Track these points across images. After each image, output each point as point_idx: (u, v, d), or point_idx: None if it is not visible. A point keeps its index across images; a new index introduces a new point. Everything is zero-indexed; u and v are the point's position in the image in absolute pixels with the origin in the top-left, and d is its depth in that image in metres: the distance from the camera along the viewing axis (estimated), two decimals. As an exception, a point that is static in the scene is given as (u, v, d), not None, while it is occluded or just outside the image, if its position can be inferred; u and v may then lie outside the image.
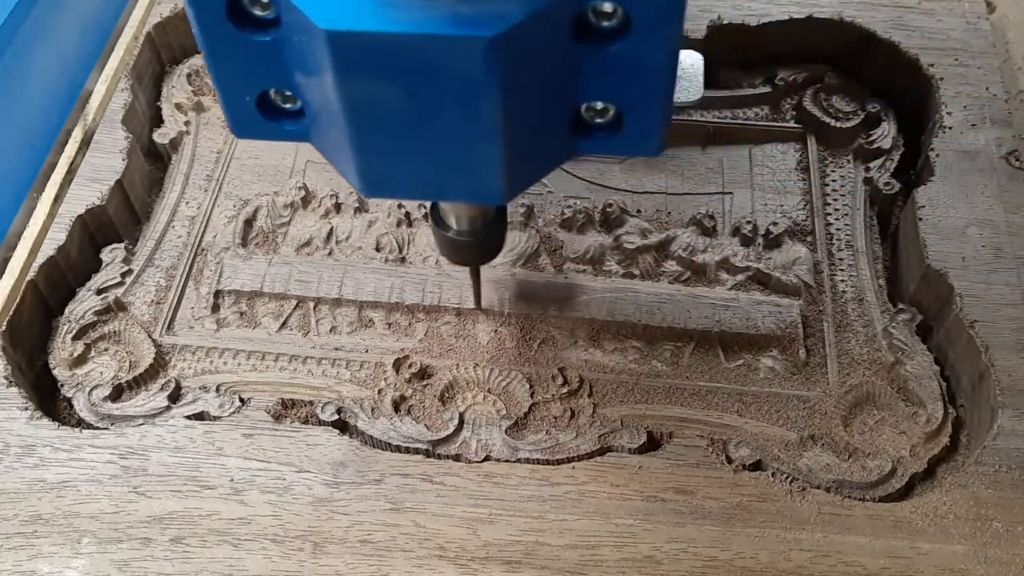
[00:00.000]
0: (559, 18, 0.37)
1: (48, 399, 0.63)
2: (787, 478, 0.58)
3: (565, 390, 0.63)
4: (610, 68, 0.39)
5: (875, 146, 0.75)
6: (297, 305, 0.68)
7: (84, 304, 0.66)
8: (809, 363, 0.65)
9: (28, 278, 0.65)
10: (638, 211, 0.74)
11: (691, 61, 0.53)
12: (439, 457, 0.59)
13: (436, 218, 0.54)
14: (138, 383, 0.63)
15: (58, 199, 0.70)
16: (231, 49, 0.39)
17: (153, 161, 0.78)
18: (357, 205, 0.73)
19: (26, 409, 0.59)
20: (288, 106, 0.43)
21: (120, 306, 0.67)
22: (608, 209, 0.72)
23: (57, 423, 0.59)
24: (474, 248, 0.56)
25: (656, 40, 0.38)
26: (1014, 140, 0.71)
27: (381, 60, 0.37)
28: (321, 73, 0.38)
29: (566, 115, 0.42)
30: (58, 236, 0.67)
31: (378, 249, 0.70)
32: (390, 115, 0.39)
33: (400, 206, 0.72)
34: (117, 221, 0.72)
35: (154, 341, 0.65)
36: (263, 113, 0.43)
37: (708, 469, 0.58)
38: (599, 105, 0.41)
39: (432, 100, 0.38)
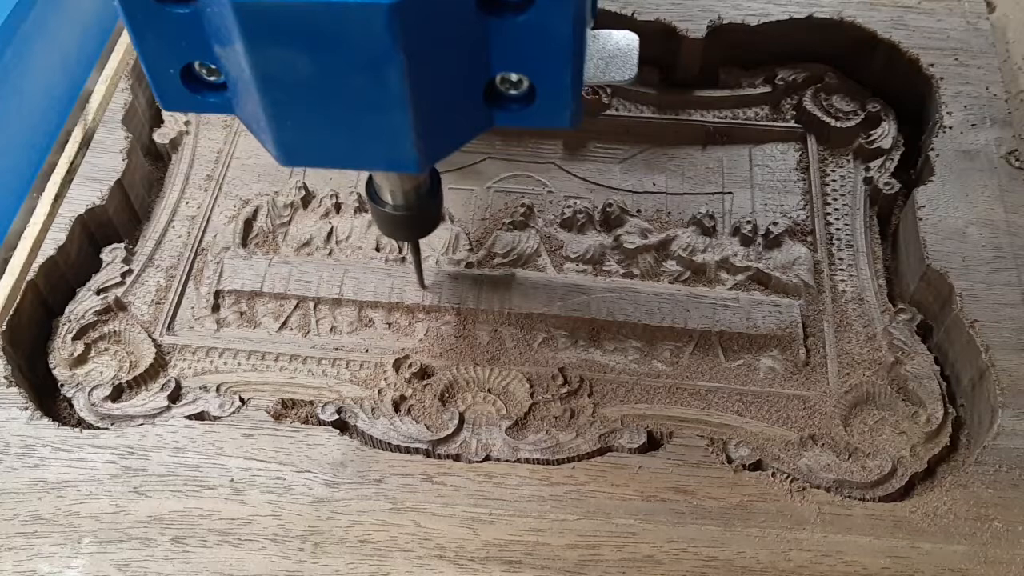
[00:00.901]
0: None
1: (48, 399, 0.63)
2: (787, 478, 0.58)
3: (565, 390, 0.63)
4: (517, 40, 0.40)
5: (875, 146, 0.75)
6: (297, 305, 0.68)
7: (84, 304, 0.66)
8: (809, 363, 0.65)
9: (28, 278, 0.65)
10: (638, 211, 0.74)
11: (627, 40, 0.55)
12: (439, 457, 0.59)
13: (371, 194, 0.55)
14: (138, 383, 0.63)
15: (58, 199, 0.70)
16: (153, 23, 0.41)
17: (153, 161, 0.78)
18: (357, 205, 0.73)
19: (26, 409, 0.59)
20: (212, 79, 0.44)
21: (120, 306, 0.67)
22: (608, 209, 0.72)
23: (57, 423, 0.59)
24: (410, 222, 0.57)
25: (559, 11, 0.39)
26: (1014, 140, 0.71)
27: (288, 30, 0.38)
28: (234, 44, 0.39)
29: (479, 86, 0.43)
30: (58, 236, 0.67)
31: (378, 249, 0.70)
32: (301, 85, 0.40)
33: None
34: (117, 221, 0.72)
35: (154, 341, 0.65)
36: (188, 86, 0.44)
37: (708, 469, 0.58)
38: (513, 77, 0.43)
39: (340, 69, 0.39)
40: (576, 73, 0.42)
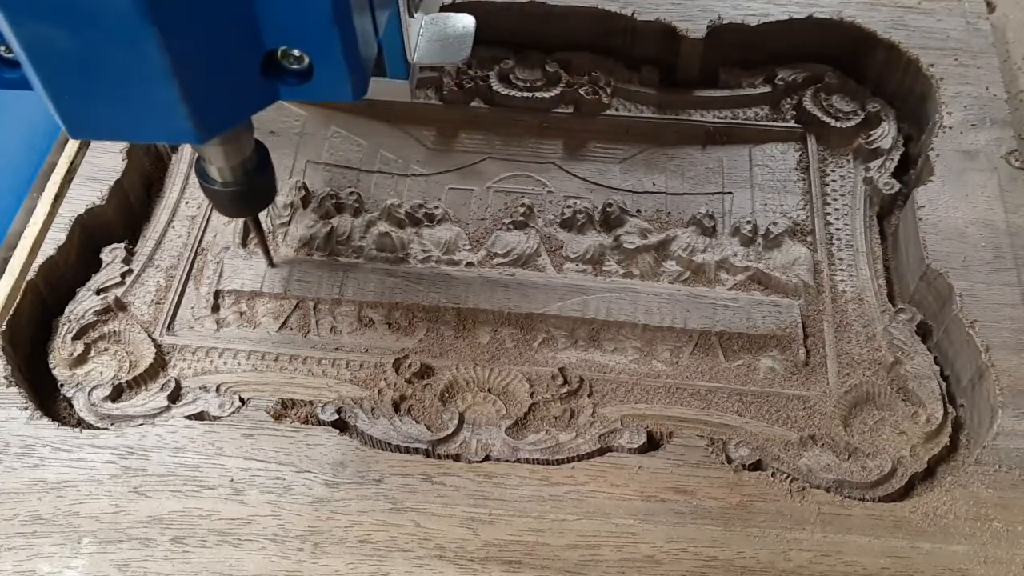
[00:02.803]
0: None
1: (48, 399, 0.63)
2: (787, 478, 0.58)
3: (565, 390, 0.63)
4: (283, 13, 0.41)
5: (875, 146, 0.75)
6: (297, 305, 0.68)
7: (84, 304, 0.66)
8: (809, 363, 0.65)
9: (28, 278, 0.65)
10: (638, 211, 0.74)
11: (464, 24, 0.58)
12: (439, 457, 0.59)
13: (200, 173, 0.56)
14: (138, 383, 0.63)
15: (58, 199, 0.70)
16: None
17: (153, 161, 0.78)
18: (357, 205, 0.73)
19: (26, 409, 0.59)
20: (10, 56, 0.45)
21: (120, 306, 0.67)
22: (608, 209, 0.72)
23: (57, 423, 0.59)
24: (241, 198, 0.57)
25: None
26: (1014, 140, 0.71)
27: (44, 5, 0.39)
28: (2, 20, 0.40)
29: (255, 59, 0.44)
30: (58, 236, 0.67)
31: (378, 249, 0.70)
32: (68, 59, 0.41)
33: (400, 206, 0.72)
34: (117, 221, 0.72)
35: (154, 341, 0.65)
36: None
37: (708, 469, 0.58)
38: (296, 52, 0.44)
39: (100, 44, 0.40)
40: (350, 46, 0.43)
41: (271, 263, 0.68)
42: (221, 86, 0.44)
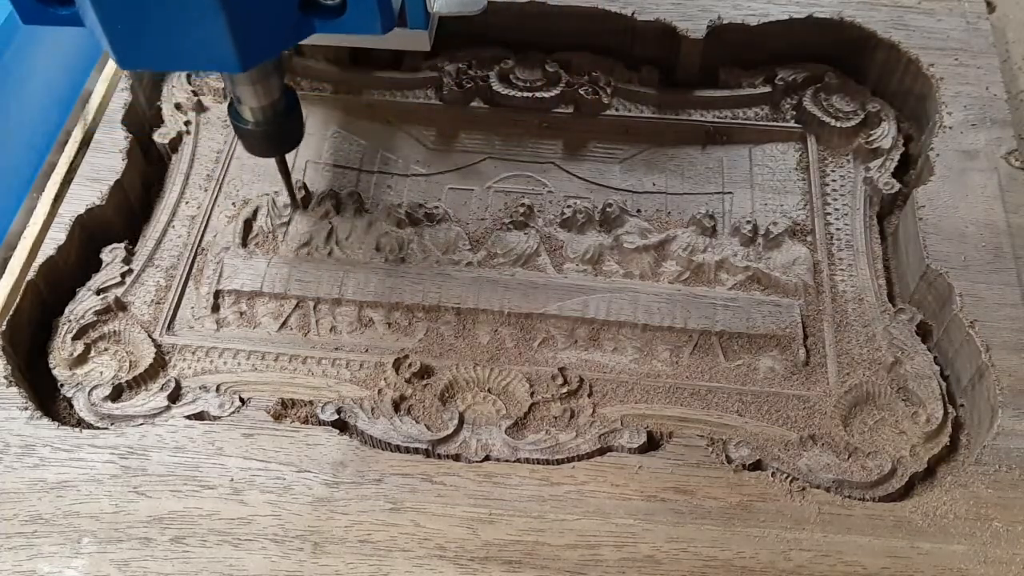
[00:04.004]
0: None
1: (48, 399, 0.63)
2: (787, 478, 0.58)
3: (565, 390, 0.63)
4: None
5: (875, 146, 0.75)
6: (297, 305, 0.68)
7: (84, 304, 0.66)
8: (809, 363, 0.65)
9: (28, 278, 0.65)
10: (638, 211, 0.74)
11: None
12: (439, 457, 0.59)
13: (234, 114, 0.61)
14: (138, 383, 0.63)
15: (58, 199, 0.70)
16: None
17: (153, 161, 0.78)
18: (357, 205, 0.73)
19: (26, 409, 0.59)
20: None
21: (120, 306, 0.67)
22: (608, 209, 0.72)
23: (57, 423, 0.59)
24: (270, 137, 0.62)
25: None
26: (1014, 140, 0.71)
27: None
28: None
29: None
30: (58, 236, 0.67)
31: (378, 249, 0.70)
32: None
33: (400, 206, 0.72)
34: (117, 221, 0.72)
35: (154, 341, 0.65)
36: (40, 0, 0.50)
37: (708, 469, 0.58)
38: None
39: None
40: None
41: (296, 206, 0.71)
42: (263, 19, 0.49)
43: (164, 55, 0.50)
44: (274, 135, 0.62)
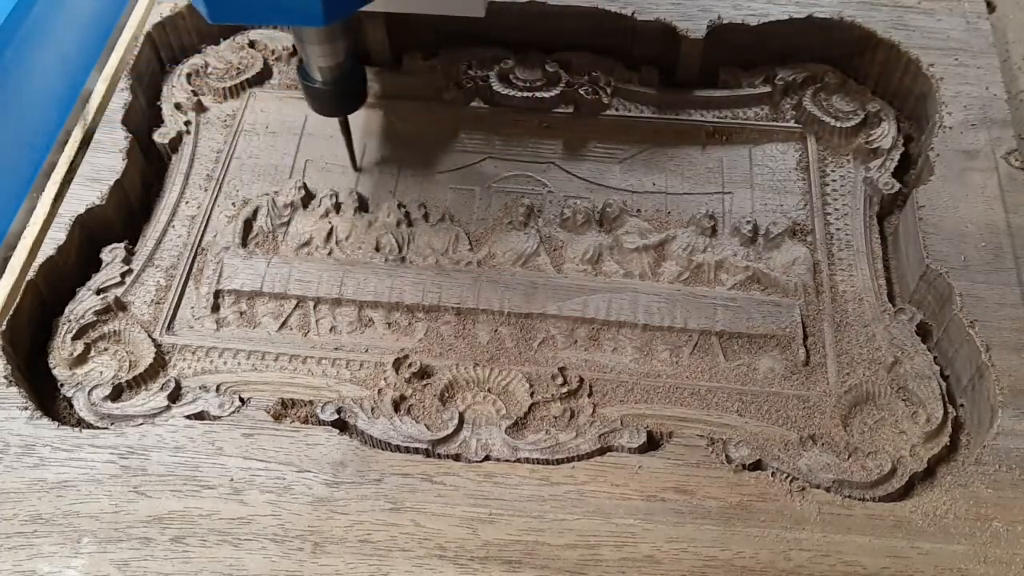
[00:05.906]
0: None
1: (48, 399, 0.63)
2: (787, 478, 0.58)
3: (565, 390, 0.63)
4: None
5: (875, 146, 0.75)
6: (297, 305, 0.68)
7: (84, 304, 0.66)
8: (809, 363, 0.65)
9: (28, 278, 0.65)
10: (638, 211, 0.74)
11: None
12: (439, 457, 0.59)
13: (302, 74, 0.66)
14: (138, 383, 0.63)
15: (58, 199, 0.70)
16: None
17: (153, 161, 0.78)
18: (357, 205, 0.73)
19: (26, 409, 0.59)
20: None
21: (120, 306, 0.67)
22: (608, 209, 0.72)
23: (57, 423, 0.59)
24: (335, 97, 0.68)
25: None
26: (1014, 140, 0.71)
27: None
28: None
29: None
30: (58, 236, 0.67)
31: (378, 249, 0.70)
32: None
33: (400, 206, 0.72)
34: (117, 221, 0.72)
35: (154, 341, 0.65)
36: None
37: (708, 469, 0.58)
38: None
39: None
40: None
41: (356, 167, 0.75)
42: None
43: (254, 7, 0.54)
44: (342, 95, 0.67)
